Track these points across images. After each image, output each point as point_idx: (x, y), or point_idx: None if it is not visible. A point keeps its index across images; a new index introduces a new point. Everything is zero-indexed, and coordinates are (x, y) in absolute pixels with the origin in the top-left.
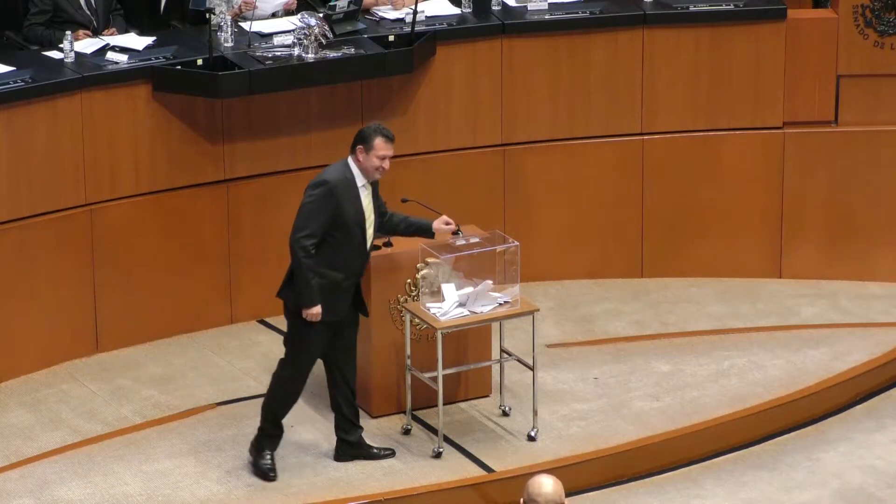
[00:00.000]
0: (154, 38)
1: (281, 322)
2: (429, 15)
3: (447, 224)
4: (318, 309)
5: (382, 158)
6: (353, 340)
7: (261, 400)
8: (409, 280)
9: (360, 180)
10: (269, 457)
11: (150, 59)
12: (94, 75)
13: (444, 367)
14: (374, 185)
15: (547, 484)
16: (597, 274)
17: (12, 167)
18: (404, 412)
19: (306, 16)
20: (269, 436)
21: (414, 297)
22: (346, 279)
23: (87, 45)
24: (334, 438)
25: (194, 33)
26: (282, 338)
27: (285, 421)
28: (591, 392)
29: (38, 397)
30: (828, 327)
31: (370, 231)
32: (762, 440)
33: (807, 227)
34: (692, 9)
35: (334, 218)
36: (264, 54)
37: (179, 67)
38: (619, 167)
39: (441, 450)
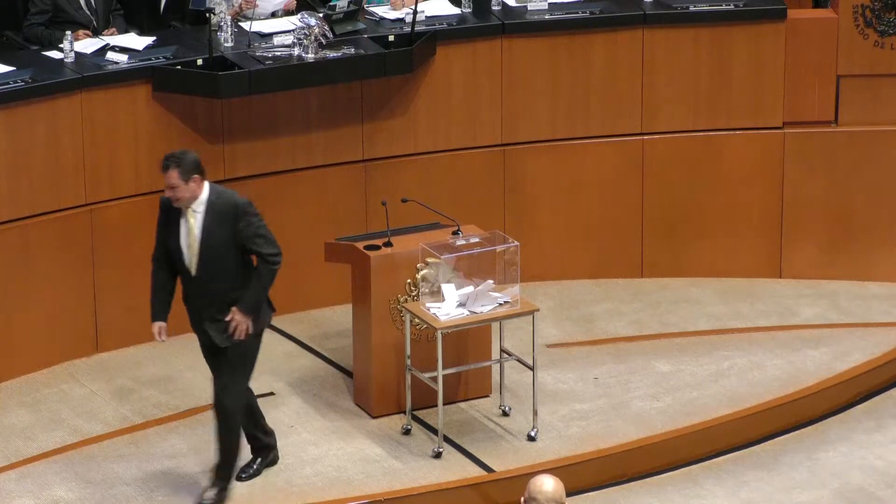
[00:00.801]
0: (154, 38)
1: (280, 322)
2: (429, 15)
3: (229, 319)
4: (154, 325)
5: (167, 188)
6: (225, 369)
7: (261, 399)
8: (409, 280)
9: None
10: (255, 463)
11: (150, 59)
12: (94, 75)
13: (444, 367)
14: (229, 216)
15: (548, 483)
16: (597, 274)
17: (12, 167)
18: (404, 412)
19: (306, 16)
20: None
21: (414, 297)
22: (186, 301)
23: (87, 45)
24: (334, 438)
25: (194, 33)
26: (281, 338)
27: (286, 421)
28: (591, 392)
29: (38, 397)
30: (828, 327)
31: (193, 260)
32: (762, 440)
33: (807, 227)
34: (692, 9)
35: (164, 238)
36: (264, 54)
37: (179, 67)
38: (619, 167)
39: (441, 450)
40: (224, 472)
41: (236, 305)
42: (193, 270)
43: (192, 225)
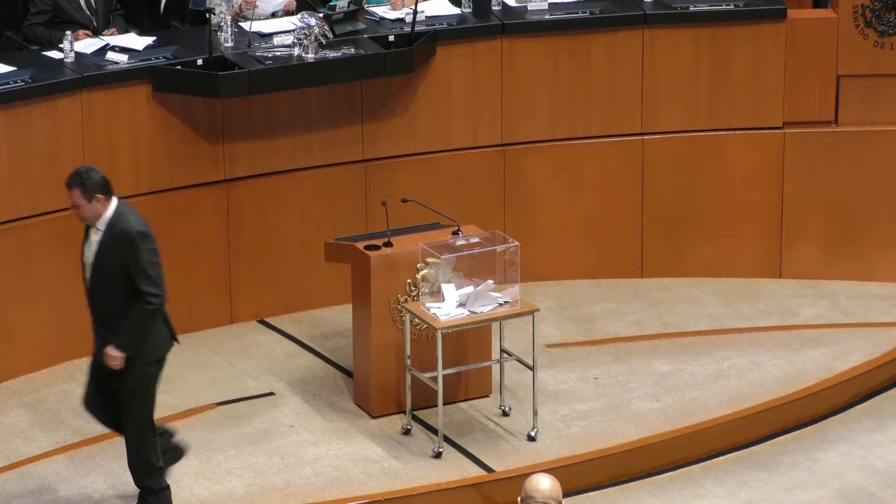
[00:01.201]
0: (154, 38)
1: (281, 321)
2: (429, 15)
3: (109, 352)
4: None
5: (71, 206)
6: (121, 401)
7: (261, 399)
8: (409, 280)
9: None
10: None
11: (150, 59)
12: (94, 75)
13: (444, 367)
14: (122, 241)
15: (544, 482)
16: (597, 274)
17: (12, 167)
18: (404, 412)
19: (306, 16)
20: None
21: (414, 297)
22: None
23: (87, 45)
24: (334, 438)
25: (194, 33)
26: (281, 338)
27: (286, 421)
28: (591, 392)
29: (38, 397)
30: (828, 327)
31: (88, 276)
32: (762, 440)
33: (807, 227)
34: (692, 9)
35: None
36: (264, 54)
37: (179, 67)
38: (619, 167)
39: (441, 450)
40: (143, 493)
41: (113, 339)
42: (86, 285)
43: (93, 241)
